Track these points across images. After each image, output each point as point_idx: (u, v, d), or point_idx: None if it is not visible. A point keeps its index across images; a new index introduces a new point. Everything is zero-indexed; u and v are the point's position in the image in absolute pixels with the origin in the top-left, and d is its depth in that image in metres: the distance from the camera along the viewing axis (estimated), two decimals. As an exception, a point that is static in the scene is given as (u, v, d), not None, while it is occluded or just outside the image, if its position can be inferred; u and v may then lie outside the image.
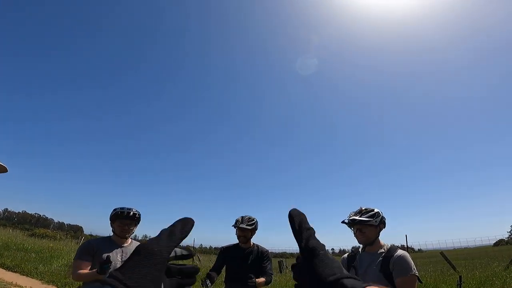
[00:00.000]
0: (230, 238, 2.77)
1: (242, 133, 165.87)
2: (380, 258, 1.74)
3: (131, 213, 2.15)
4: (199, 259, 19.42)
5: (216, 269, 2.58)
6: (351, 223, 1.85)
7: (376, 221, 1.79)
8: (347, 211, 1.94)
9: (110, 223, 2.20)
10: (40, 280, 7.56)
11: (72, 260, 2.18)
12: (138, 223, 2.25)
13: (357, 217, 1.81)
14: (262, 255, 2.53)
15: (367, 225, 1.79)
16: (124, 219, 2.13)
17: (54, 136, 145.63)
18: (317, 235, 0.39)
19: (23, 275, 7.92)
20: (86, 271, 1.98)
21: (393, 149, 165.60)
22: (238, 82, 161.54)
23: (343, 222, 1.88)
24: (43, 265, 8.86)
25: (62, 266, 9.04)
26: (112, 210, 2.20)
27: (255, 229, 2.55)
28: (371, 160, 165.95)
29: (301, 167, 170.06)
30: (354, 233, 1.86)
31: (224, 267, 2.61)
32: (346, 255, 2.02)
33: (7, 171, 2.29)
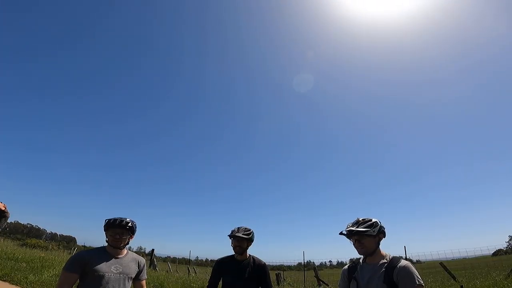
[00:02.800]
0: (227, 250, 2.66)
1: (239, 146, 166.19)
2: (383, 269, 1.70)
3: (124, 222, 2.09)
4: (195, 271, 19.05)
5: (213, 285, 2.46)
6: (349, 234, 1.83)
7: (374, 231, 1.76)
8: (345, 223, 1.92)
9: (105, 234, 2.15)
10: (29, 290, 7.39)
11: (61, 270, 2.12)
12: (133, 233, 2.18)
13: (354, 228, 1.80)
14: (260, 269, 2.42)
15: (365, 235, 1.76)
16: (115, 228, 2.08)
17: (49, 144, 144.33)
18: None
19: (13, 284, 7.76)
20: None
21: (391, 160, 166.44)
22: (235, 95, 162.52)
23: (341, 233, 1.87)
24: (34, 275, 8.66)
25: (53, 276, 8.86)
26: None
27: (251, 240, 2.47)
28: (369, 171, 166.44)
29: (299, 180, 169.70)
30: (353, 244, 1.84)
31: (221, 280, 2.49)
32: (346, 266, 1.98)
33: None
